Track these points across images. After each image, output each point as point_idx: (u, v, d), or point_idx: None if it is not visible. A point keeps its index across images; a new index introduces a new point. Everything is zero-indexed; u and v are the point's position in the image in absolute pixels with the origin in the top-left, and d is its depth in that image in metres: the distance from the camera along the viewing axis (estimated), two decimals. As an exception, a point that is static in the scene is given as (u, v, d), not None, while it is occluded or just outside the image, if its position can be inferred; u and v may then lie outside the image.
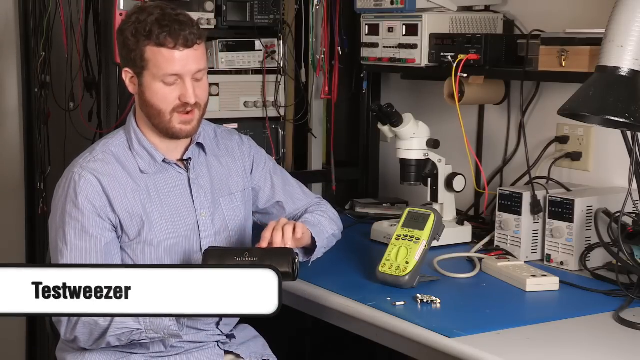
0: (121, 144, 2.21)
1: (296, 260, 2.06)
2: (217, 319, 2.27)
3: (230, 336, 2.32)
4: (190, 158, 2.25)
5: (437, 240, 2.35)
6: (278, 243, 2.15)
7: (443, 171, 2.80)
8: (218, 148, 2.34)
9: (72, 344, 2.17)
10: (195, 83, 2.15)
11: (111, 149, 2.19)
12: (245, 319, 2.40)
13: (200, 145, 2.28)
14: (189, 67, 2.12)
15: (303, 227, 2.22)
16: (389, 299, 2.19)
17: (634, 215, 2.36)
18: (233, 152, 2.36)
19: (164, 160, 2.20)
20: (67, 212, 2.11)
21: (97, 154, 2.17)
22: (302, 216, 2.39)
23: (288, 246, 2.16)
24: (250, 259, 2.05)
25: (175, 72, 2.11)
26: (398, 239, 2.33)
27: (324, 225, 2.37)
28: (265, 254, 2.07)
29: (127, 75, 2.17)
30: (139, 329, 2.07)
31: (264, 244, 2.15)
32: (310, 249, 2.29)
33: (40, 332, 3.38)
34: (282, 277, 2.03)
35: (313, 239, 2.28)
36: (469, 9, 2.98)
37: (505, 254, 2.54)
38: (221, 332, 2.29)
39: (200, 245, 2.22)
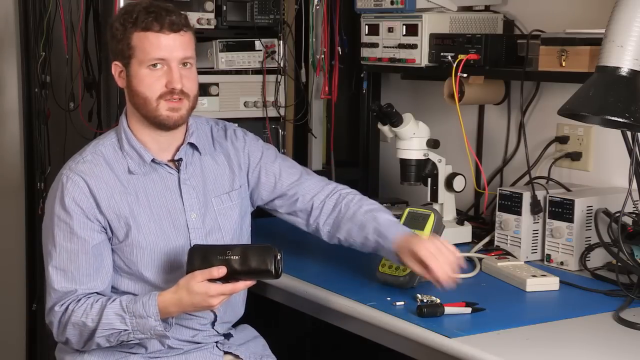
0: (112, 144, 2.20)
1: (278, 257, 2.03)
2: (212, 319, 2.26)
3: (228, 336, 2.32)
4: (181, 158, 2.23)
5: (437, 240, 2.34)
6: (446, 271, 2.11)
7: (443, 171, 2.80)
8: (214, 147, 2.31)
9: (67, 346, 2.17)
10: (183, 71, 2.13)
11: (101, 149, 2.18)
12: (245, 320, 2.40)
13: (193, 146, 2.26)
14: (176, 52, 2.11)
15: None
16: (389, 299, 2.19)
17: (634, 215, 2.36)
18: (228, 150, 2.33)
19: (153, 161, 2.19)
20: (55, 214, 2.11)
21: (86, 156, 2.17)
22: (374, 218, 2.28)
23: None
24: (232, 257, 2.03)
25: (161, 56, 2.10)
26: (398, 239, 2.33)
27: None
28: (247, 252, 2.04)
29: (116, 69, 2.17)
30: (126, 330, 2.06)
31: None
32: None
33: (40, 332, 3.38)
34: (264, 275, 2.03)
35: None
36: (469, 9, 2.98)
37: (505, 254, 2.54)
38: (217, 332, 2.28)
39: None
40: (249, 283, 2.06)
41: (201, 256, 2.04)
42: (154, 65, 2.11)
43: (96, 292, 2.13)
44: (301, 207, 2.37)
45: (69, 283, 2.10)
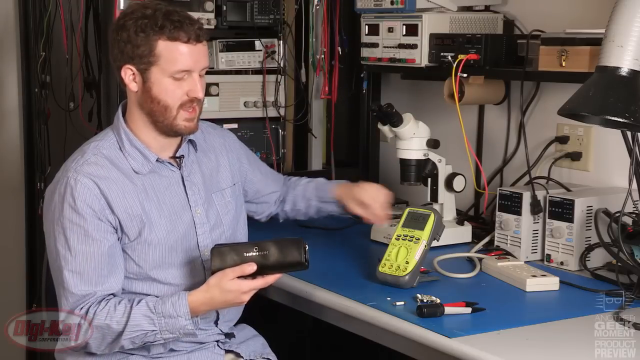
0: (111, 145, 2.19)
1: (306, 247, 2.09)
2: (215, 317, 2.27)
3: (230, 335, 2.32)
4: (182, 155, 2.24)
5: (437, 240, 2.35)
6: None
7: (443, 171, 2.80)
8: (205, 144, 2.34)
9: (82, 349, 2.15)
10: (200, 79, 2.16)
11: (102, 151, 2.17)
12: (245, 320, 2.40)
13: (191, 142, 2.28)
14: (200, 62, 2.14)
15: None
16: (389, 299, 2.19)
17: (634, 215, 2.36)
18: (220, 148, 2.36)
19: (157, 160, 2.20)
20: (66, 218, 2.09)
21: (89, 157, 2.15)
22: (304, 187, 2.57)
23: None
24: (261, 252, 2.07)
25: (188, 67, 2.11)
26: (398, 239, 2.33)
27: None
28: (275, 246, 2.08)
29: (127, 72, 2.14)
30: (153, 331, 2.07)
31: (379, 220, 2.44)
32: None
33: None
34: (295, 266, 2.09)
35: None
36: (469, 9, 2.98)
37: (505, 254, 2.54)
38: (220, 330, 2.29)
39: (197, 242, 2.22)
40: (278, 276, 2.12)
41: (227, 254, 2.08)
42: (178, 75, 2.11)
43: (112, 293, 2.12)
44: (264, 201, 2.56)
45: (87, 285, 2.09)
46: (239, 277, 2.05)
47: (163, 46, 2.09)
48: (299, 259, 2.07)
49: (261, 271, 2.07)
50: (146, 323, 2.06)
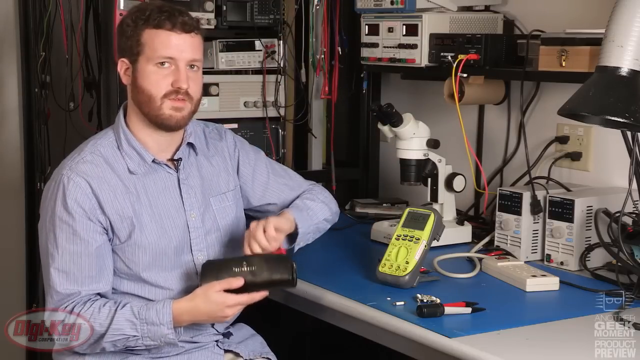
0: (110, 144, 2.19)
1: (294, 266, 2.09)
2: None
3: (228, 334, 2.32)
4: (180, 158, 2.24)
5: (437, 240, 2.35)
6: (265, 249, 2.16)
7: (443, 171, 2.80)
8: (207, 148, 2.33)
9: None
10: (190, 73, 2.15)
11: (100, 149, 2.17)
12: (245, 320, 2.40)
13: (191, 145, 2.27)
14: (185, 53, 2.13)
15: (276, 222, 2.19)
16: (389, 299, 2.19)
17: (634, 215, 2.36)
18: (222, 152, 2.35)
19: (153, 161, 2.19)
20: (57, 216, 2.09)
21: (85, 155, 2.15)
22: (292, 202, 2.39)
23: (272, 247, 2.17)
24: (248, 268, 2.08)
25: (170, 55, 2.11)
26: (398, 239, 2.33)
27: (313, 210, 2.36)
28: (263, 263, 2.10)
29: (122, 66, 2.17)
30: (135, 336, 2.07)
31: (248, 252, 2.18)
32: (294, 234, 2.28)
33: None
34: (283, 284, 2.09)
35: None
36: (469, 9, 2.98)
37: (505, 254, 2.54)
38: (217, 331, 2.29)
39: (191, 247, 2.22)
40: (265, 293, 2.12)
41: (216, 269, 2.09)
42: (162, 63, 2.12)
43: (98, 294, 2.13)
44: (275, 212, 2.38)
45: (72, 285, 2.09)
46: (226, 291, 2.06)
47: (147, 34, 2.12)
48: (288, 277, 2.09)
49: (249, 287, 2.08)
50: (128, 328, 2.07)
